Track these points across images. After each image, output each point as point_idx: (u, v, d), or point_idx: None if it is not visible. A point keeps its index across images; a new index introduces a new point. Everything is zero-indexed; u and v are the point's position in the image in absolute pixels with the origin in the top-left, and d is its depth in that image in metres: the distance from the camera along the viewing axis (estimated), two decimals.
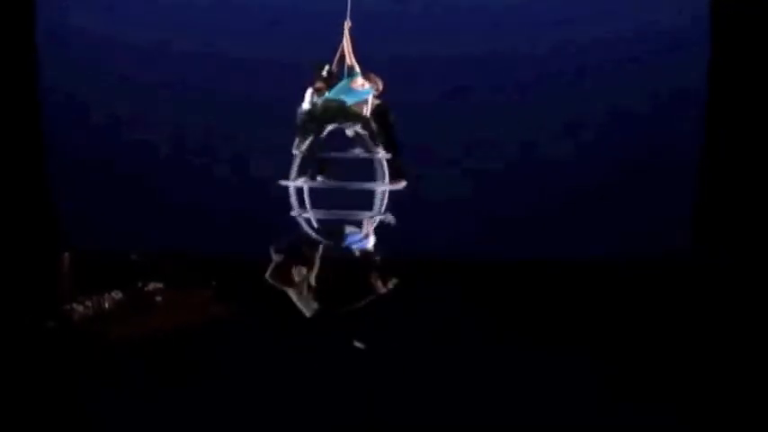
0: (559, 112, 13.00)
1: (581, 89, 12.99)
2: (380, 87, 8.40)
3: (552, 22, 12.77)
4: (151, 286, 11.98)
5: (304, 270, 8.33)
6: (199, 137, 13.01)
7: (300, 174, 8.44)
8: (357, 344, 9.11)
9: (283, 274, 8.34)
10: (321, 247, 8.44)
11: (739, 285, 11.68)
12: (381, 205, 8.28)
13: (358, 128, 8.26)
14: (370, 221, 8.27)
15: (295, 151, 8.57)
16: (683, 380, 9.96)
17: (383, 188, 8.14)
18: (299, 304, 8.36)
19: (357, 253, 8.47)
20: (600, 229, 12.68)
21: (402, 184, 8.26)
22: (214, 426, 9.32)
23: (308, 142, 8.34)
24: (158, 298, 11.95)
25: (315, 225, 8.44)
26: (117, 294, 11.83)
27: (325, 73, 8.54)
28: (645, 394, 9.68)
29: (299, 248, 8.56)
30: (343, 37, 8.51)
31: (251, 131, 12.73)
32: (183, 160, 13.02)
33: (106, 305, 11.68)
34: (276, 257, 8.47)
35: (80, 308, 11.41)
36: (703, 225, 12.61)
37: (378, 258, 8.53)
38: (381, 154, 8.21)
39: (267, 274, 8.40)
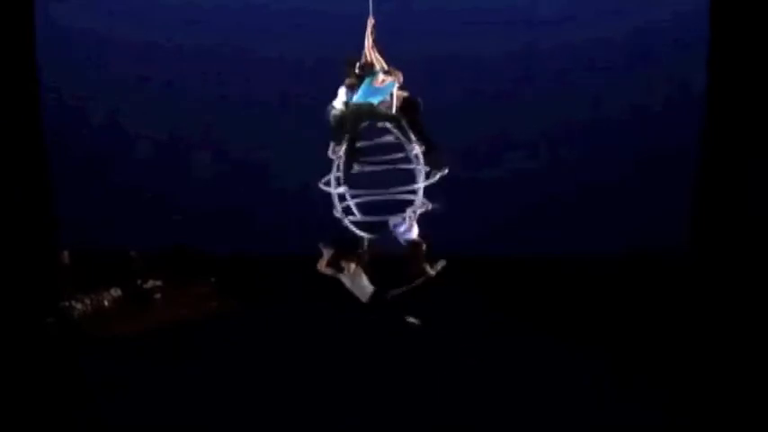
0: (559, 112, 13.06)
1: (580, 90, 13.05)
2: (401, 79, 8.40)
3: (553, 22, 12.85)
4: (150, 283, 12.02)
5: (353, 260, 8.42)
6: (198, 136, 13.09)
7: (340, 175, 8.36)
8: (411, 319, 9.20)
9: (335, 264, 8.44)
10: (367, 240, 8.49)
11: (738, 284, 11.68)
12: (421, 197, 8.26)
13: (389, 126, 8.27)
14: (413, 214, 8.32)
15: (332, 155, 8.46)
16: (680, 373, 9.97)
17: (422, 185, 8.09)
18: (353, 291, 8.46)
19: (404, 243, 8.51)
20: (600, 227, 12.70)
21: (439, 175, 8.25)
22: (213, 422, 9.31)
23: (344, 146, 8.30)
24: (157, 295, 11.99)
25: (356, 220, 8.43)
26: (116, 292, 11.87)
27: (357, 69, 8.45)
28: (642, 387, 9.69)
29: (345, 242, 8.63)
30: (366, 34, 8.42)
31: (250, 131, 12.80)
32: (183, 159, 13.10)
33: (105, 302, 11.72)
34: (326, 251, 8.52)
35: (79, 305, 11.44)
36: (703, 224, 12.61)
37: (425, 245, 8.58)
38: (416, 149, 8.17)
39: (318, 266, 8.45)
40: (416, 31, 12.44)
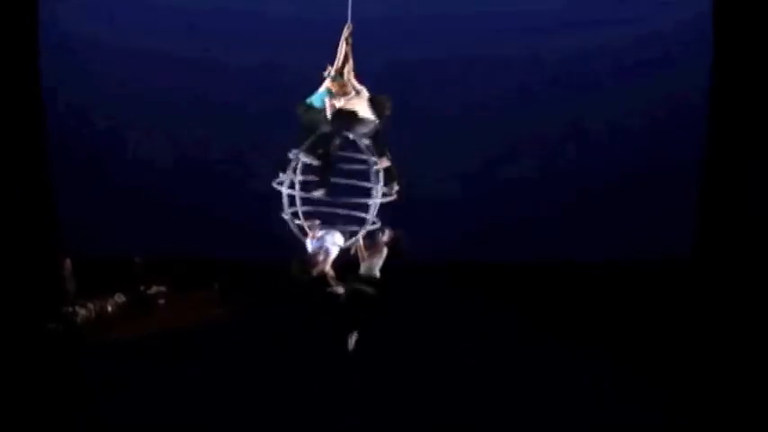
0: (562, 117, 13.11)
1: (583, 96, 13.08)
2: (346, 90, 8.18)
3: (557, 27, 12.91)
4: (153, 290, 12.06)
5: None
6: (199, 142, 13.14)
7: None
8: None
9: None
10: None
11: (739, 286, 11.68)
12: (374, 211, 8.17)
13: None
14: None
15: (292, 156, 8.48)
16: (680, 373, 9.98)
17: (376, 200, 7.97)
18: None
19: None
20: (603, 230, 12.72)
21: (394, 190, 8.12)
22: (213, 423, 9.33)
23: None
24: (161, 301, 12.03)
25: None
26: (120, 298, 11.92)
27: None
28: (642, 387, 9.70)
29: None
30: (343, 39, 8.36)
31: (251, 136, 12.84)
32: (184, 165, 13.15)
33: (109, 308, 11.76)
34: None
35: (83, 311, 11.48)
36: (706, 228, 12.61)
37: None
38: (373, 160, 8.06)
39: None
40: (418, 37, 12.56)
